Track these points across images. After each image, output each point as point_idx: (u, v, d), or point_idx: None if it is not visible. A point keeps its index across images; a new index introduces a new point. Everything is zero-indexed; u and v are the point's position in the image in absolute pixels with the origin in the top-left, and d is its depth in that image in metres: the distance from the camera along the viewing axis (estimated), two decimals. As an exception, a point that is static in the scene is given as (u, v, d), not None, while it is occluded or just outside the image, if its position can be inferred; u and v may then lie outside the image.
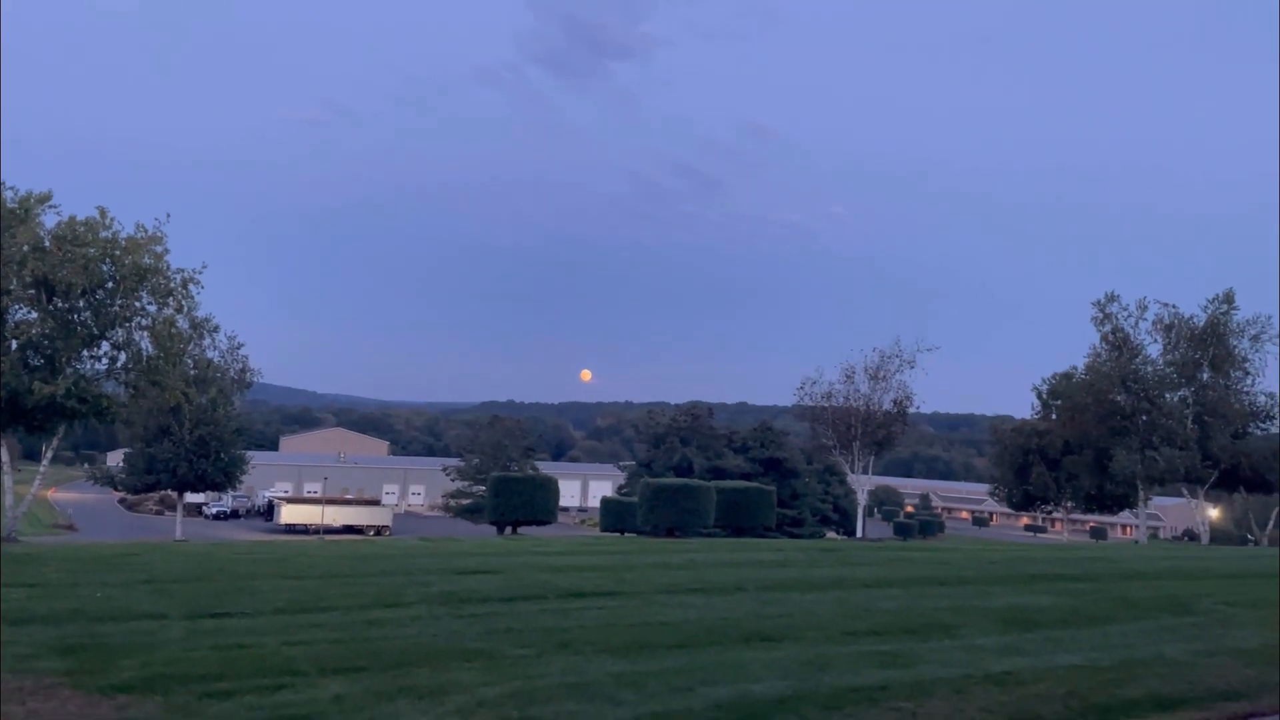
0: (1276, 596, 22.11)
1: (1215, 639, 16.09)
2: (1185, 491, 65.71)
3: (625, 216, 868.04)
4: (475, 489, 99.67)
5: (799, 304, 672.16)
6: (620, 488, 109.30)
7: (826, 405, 68.47)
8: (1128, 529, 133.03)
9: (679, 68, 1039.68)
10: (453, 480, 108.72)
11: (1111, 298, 63.85)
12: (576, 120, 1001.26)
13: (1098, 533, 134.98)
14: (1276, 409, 62.87)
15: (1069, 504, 75.02)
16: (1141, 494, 65.26)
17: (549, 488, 56.59)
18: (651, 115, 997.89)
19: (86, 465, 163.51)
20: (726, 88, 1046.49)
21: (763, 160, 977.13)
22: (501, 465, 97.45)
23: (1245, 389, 62.75)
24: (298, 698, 10.40)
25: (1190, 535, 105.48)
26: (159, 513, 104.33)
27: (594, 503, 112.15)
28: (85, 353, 37.83)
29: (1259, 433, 63.71)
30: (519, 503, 54.48)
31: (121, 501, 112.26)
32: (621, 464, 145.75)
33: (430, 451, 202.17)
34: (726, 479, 75.52)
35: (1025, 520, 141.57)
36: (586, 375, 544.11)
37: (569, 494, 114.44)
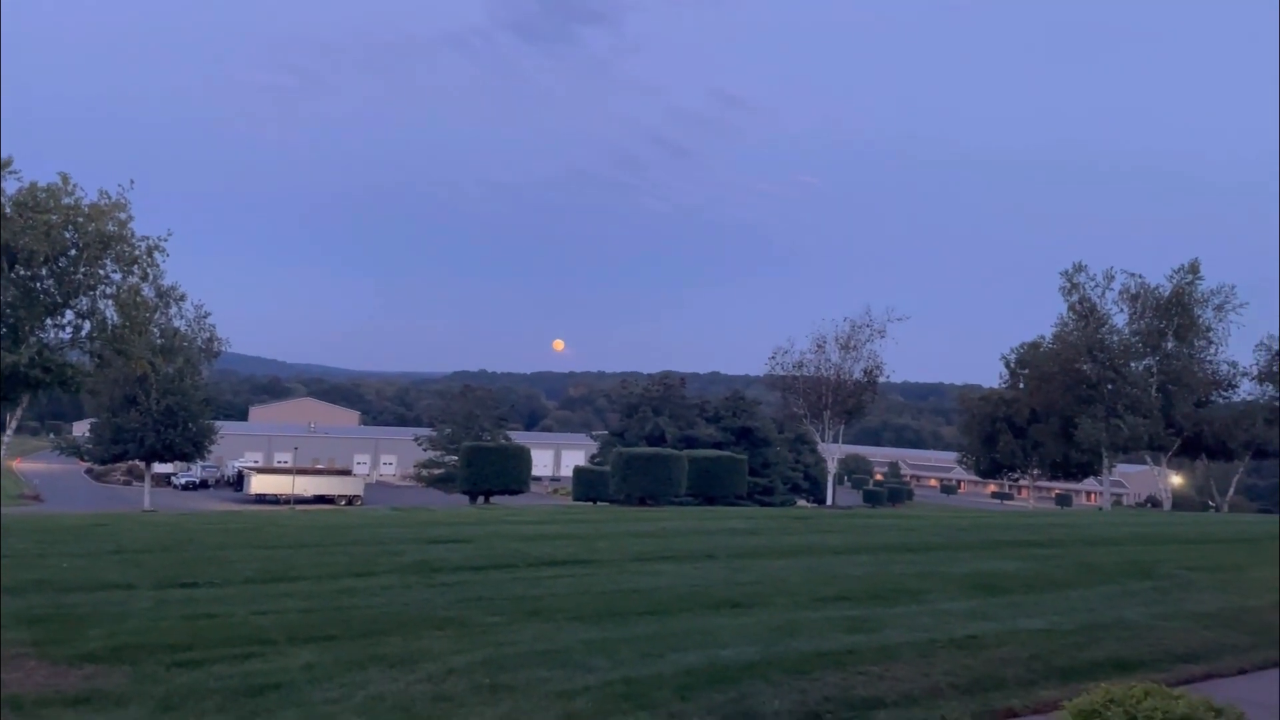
0: (1239, 561, 22.58)
1: (1175, 603, 16.42)
2: (1149, 459, 66.76)
3: (596, 184, 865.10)
4: (447, 459, 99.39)
5: (771, 273, 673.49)
6: (593, 457, 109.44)
7: (798, 375, 68.80)
8: (1093, 496, 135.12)
9: (649, 34, 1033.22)
10: (424, 450, 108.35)
11: (1079, 268, 64.41)
12: (547, 87, 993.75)
13: (1063, 500, 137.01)
14: (1239, 377, 63.95)
15: (1035, 471, 76.07)
16: (1106, 461, 66.24)
17: (521, 457, 56.59)
18: (622, 83, 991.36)
19: (52, 435, 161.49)
20: (697, 55, 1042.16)
21: (733, 129, 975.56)
22: (473, 435, 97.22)
23: (1208, 358, 63.71)
24: (268, 666, 10.40)
25: (1153, 502, 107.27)
26: (127, 483, 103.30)
27: (566, 472, 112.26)
28: (49, 321, 37.17)
29: (1221, 401, 64.76)
30: (491, 472, 54.45)
31: (88, 472, 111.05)
32: (594, 433, 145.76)
33: (401, 421, 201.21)
34: (698, 448, 75.76)
35: (992, 487, 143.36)
36: (559, 345, 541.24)
37: (541, 463, 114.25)
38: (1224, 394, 64.72)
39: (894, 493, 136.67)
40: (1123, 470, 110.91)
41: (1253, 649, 13.29)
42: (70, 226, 36.05)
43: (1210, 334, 62.92)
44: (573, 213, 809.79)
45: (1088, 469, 71.23)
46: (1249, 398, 64.18)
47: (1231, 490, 71.30)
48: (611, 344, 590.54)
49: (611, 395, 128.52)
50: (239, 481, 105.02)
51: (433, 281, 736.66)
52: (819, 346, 68.15)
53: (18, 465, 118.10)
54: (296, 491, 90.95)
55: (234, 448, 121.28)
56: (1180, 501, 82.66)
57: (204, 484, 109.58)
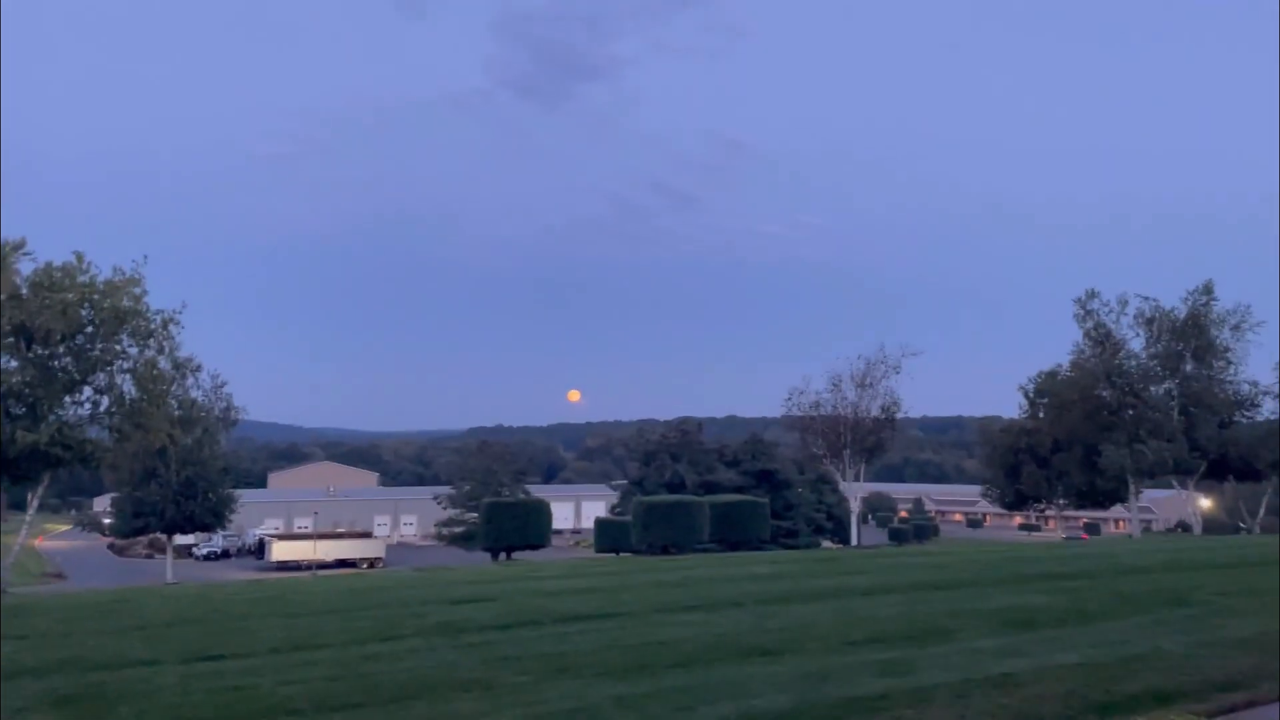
0: (1275, 584, 22.19)
1: (1212, 630, 16.11)
2: (1175, 483, 66.05)
3: (604, 235, 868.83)
4: (467, 516, 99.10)
5: (782, 314, 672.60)
6: (613, 507, 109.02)
7: (815, 414, 68.86)
8: (1121, 523, 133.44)
9: (649, 87, 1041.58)
10: (444, 508, 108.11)
11: (1092, 294, 64.42)
12: (550, 143, 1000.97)
13: (1091, 528, 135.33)
14: (1261, 397, 63.39)
15: (1061, 501, 75.30)
16: (1132, 488, 65.55)
17: (541, 511, 56.49)
18: (624, 135, 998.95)
19: (73, 512, 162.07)
20: (697, 104, 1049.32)
21: (737, 174, 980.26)
22: (492, 491, 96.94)
23: (1229, 378, 63.30)
24: (296, 738, 10.31)
25: (1183, 526, 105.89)
26: (149, 556, 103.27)
27: (588, 524, 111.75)
28: (67, 399, 37.60)
29: (1245, 421, 64.16)
30: (512, 528, 54.32)
31: (111, 546, 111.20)
32: (613, 483, 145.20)
33: (420, 480, 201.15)
34: (719, 493, 75.33)
35: (1019, 519, 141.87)
36: (574, 395, 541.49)
37: (562, 516, 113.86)
38: (1247, 414, 64.17)
39: (919, 529, 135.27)
40: (1150, 496, 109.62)
41: (1295, 674, 13.00)
42: (86, 304, 36.64)
43: (1229, 354, 62.62)
44: (582, 264, 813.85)
45: (1114, 496, 70.48)
46: (1273, 417, 63.61)
47: (1262, 511, 70.38)
48: (627, 392, 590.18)
49: (629, 444, 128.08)
50: (260, 549, 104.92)
51: (445, 339, 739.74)
52: (835, 385, 68.42)
53: (40, 544, 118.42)
54: (318, 557, 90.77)
55: (254, 515, 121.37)
56: (1211, 525, 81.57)
57: (225, 554, 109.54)
